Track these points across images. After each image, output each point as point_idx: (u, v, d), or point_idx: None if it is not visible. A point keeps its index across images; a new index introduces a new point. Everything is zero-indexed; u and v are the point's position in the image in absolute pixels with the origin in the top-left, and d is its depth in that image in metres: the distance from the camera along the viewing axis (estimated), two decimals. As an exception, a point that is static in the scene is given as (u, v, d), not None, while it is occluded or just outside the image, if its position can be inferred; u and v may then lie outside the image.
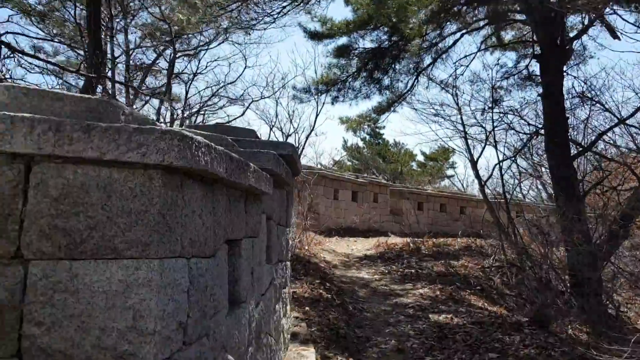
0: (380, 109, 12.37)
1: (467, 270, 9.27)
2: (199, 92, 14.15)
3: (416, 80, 12.21)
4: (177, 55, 12.76)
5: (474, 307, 6.93)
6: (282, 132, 22.62)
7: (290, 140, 23.48)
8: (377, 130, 29.01)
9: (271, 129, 22.58)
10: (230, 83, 15.05)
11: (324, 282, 7.01)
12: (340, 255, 10.79)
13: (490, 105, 13.61)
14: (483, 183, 14.92)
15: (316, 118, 19.07)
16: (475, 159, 14.78)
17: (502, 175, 11.46)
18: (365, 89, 10.61)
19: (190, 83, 14.33)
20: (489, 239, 14.73)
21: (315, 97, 10.69)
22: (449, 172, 28.41)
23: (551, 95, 10.99)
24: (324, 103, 22.68)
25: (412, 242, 12.28)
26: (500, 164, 11.40)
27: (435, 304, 6.82)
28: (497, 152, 10.86)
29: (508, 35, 16.09)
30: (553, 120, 10.92)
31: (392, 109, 12.48)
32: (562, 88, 11.42)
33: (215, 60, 13.72)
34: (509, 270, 9.68)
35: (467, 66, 14.58)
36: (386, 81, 10.51)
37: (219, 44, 13.44)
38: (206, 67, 14.53)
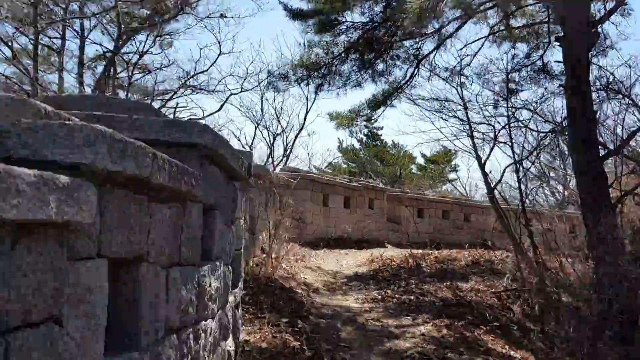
0: (375, 103, 10.68)
1: (479, 297, 7.55)
2: (155, 83, 12.42)
3: (416, 70, 10.53)
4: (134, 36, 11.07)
5: (493, 353, 5.21)
6: (269, 131, 20.90)
7: (279, 140, 21.98)
8: (375, 131, 27.27)
9: (257, 128, 20.97)
10: (203, 72, 13.29)
11: (295, 320, 5.29)
12: (325, 273, 9.07)
13: (504, 96, 11.93)
14: (493, 186, 13.31)
15: (306, 115, 17.36)
16: (483, 161, 13.15)
17: (519, 179, 9.75)
18: (355, 75, 8.91)
19: (157, 72, 12.62)
20: (498, 250, 13.11)
21: (295, 84, 8.99)
22: (451, 175, 26.72)
23: (576, 86, 9.27)
24: (314, 99, 20.79)
25: (412, 256, 10.56)
26: (518, 164, 9.68)
27: (442, 349, 5.11)
28: (512, 152, 9.04)
29: (518, 24, 14.40)
30: (579, 115, 9.22)
31: (388, 102, 10.79)
32: (589, 78, 9.74)
33: (180, 32, 11.99)
34: (530, 296, 7.96)
35: (474, 55, 12.87)
36: (381, 66, 8.81)
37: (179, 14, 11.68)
38: (170, 44, 12.66)
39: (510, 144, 9.88)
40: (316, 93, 9.37)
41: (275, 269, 8.02)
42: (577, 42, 9.32)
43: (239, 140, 19.73)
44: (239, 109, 21.65)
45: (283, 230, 9.56)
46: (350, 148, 26.03)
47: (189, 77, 12.29)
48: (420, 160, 27.57)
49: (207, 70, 13.43)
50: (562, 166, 23.64)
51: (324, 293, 7.49)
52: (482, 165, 12.77)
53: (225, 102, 14.00)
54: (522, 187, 12.27)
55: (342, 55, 8.38)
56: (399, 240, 15.70)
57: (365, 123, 11.11)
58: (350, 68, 8.73)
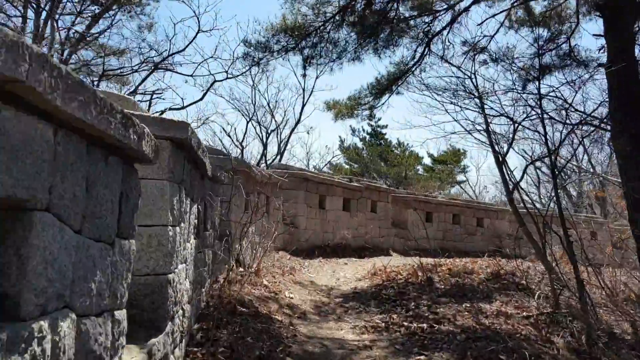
0: (379, 89, 9.11)
1: (509, 324, 5.95)
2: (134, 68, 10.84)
3: (427, 50, 8.96)
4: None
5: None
6: (261, 125, 19.32)
7: (273, 137, 20.01)
8: (379, 129, 25.69)
9: (249, 122, 19.39)
10: (178, 52, 11.71)
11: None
12: (318, 290, 7.50)
13: (527, 81, 10.38)
14: (513, 186, 11.71)
15: (302, 108, 15.85)
16: (502, 157, 11.56)
17: (554, 174, 8.16)
18: (353, 46, 7.31)
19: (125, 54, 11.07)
20: (518, 259, 11.51)
21: (278, 55, 7.35)
22: (460, 177, 25.10)
23: (622, 65, 7.67)
24: (312, 90, 19.04)
25: (421, 268, 8.96)
26: (551, 157, 8.10)
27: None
28: (546, 142, 7.40)
29: (538, 7, 12.79)
30: (626, 99, 7.66)
31: (394, 88, 9.21)
32: (634, 55, 8.18)
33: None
34: (571, 322, 6.36)
35: (492, 37, 11.27)
36: (385, 33, 7.18)
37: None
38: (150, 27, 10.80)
39: (541, 134, 8.27)
40: (305, 68, 7.78)
41: (255, 287, 6.44)
42: (624, 11, 7.75)
43: (229, 136, 18.20)
44: (229, 102, 19.88)
45: (268, 238, 7.99)
46: (353, 147, 24.45)
47: (162, 60, 10.72)
48: (427, 161, 26.00)
49: (183, 50, 11.85)
50: (589, 162, 21.95)
51: (313, 319, 5.91)
52: (500, 162, 11.23)
53: (208, 89, 12.42)
54: (541, 188, 10.66)
55: (336, 18, 6.79)
56: (405, 247, 14.09)
57: (367, 113, 9.55)
58: (346, 36, 7.14)
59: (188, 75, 11.89)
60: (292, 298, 6.54)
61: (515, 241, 17.04)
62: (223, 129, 20.26)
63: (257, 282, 6.61)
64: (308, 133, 22.30)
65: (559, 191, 11.91)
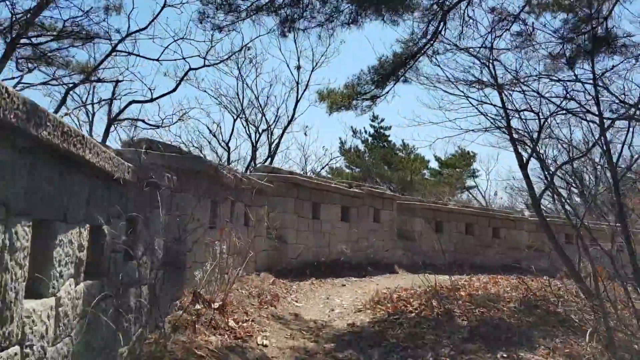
0: (382, 73, 7.44)
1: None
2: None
3: (442, 25, 7.31)
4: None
5: None
6: (249, 123, 17.58)
7: (264, 137, 17.88)
8: (382, 131, 23.97)
9: (236, 121, 17.67)
10: (138, 31, 9.97)
11: None
12: (304, 329, 5.77)
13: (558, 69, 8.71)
14: (541, 193, 10.16)
15: (296, 104, 14.10)
16: (526, 160, 9.96)
17: (615, 177, 6.45)
18: (346, 4, 5.58)
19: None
20: (542, 276, 9.92)
21: (246, 17, 5.62)
22: (468, 182, 23.34)
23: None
24: (307, 84, 17.14)
25: (435, 294, 7.24)
26: (604, 151, 6.41)
27: None
28: (604, 138, 5.61)
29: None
30: None
31: (401, 73, 7.54)
32: None
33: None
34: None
35: (514, 20, 9.59)
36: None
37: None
38: None
39: (588, 124, 6.58)
40: (283, 34, 6.05)
41: (215, 331, 4.73)
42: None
43: (215, 136, 16.48)
44: (214, 97, 17.80)
45: (242, 258, 6.30)
46: (354, 149, 22.70)
47: (120, 41, 9.03)
48: (434, 164, 24.25)
49: (145, 28, 10.12)
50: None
51: (291, 383, 4.19)
52: (524, 165, 9.54)
53: (182, 79, 10.68)
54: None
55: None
56: (412, 262, 12.35)
57: (368, 103, 7.85)
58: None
59: (152, 59, 10.17)
60: (265, 347, 4.82)
61: (531, 253, 15.29)
62: (208, 128, 18.21)
63: (220, 324, 4.89)
64: (306, 134, 20.50)
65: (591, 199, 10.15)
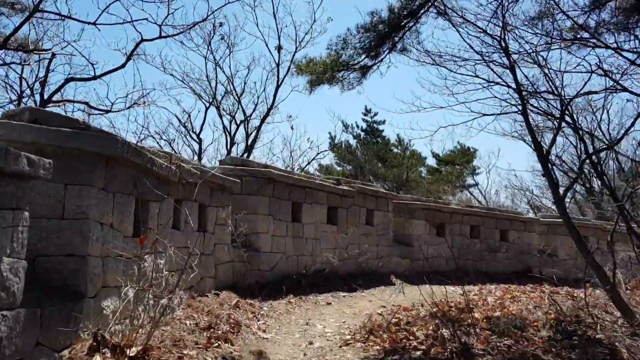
0: (377, 38, 5.81)
1: None
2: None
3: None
4: None
5: None
6: (220, 110, 15.76)
7: (243, 129, 15.54)
8: (375, 125, 22.32)
9: (208, 109, 15.87)
10: None
11: None
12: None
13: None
14: (566, 189, 8.81)
15: (277, 89, 12.39)
16: (546, 149, 8.48)
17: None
18: None
19: None
20: (558, 284, 8.49)
21: None
22: (468, 180, 21.72)
23: None
24: (289, 66, 15.15)
25: (444, 319, 5.61)
26: None
27: None
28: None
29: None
30: None
31: (398, 37, 5.90)
32: None
33: None
34: None
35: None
36: None
37: None
38: None
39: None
40: None
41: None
42: None
43: (184, 126, 14.71)
44: (182, 81, 15.84)
45: (202, 274, 4.65)
46: (345, 145, 21.01)
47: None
48: (431, 162, 22.61)
49: None
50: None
51: None
52: (544, 155, 7.97)
53: (132, 53, 8.93)
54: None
55: None
56: (410, 270, 10.72)
57: (357, 76, 6.18)
58: None
59: (87, 23, 8.40)
60: (197, 422, 3.14)
61: (543, 258, 13.66)
62: (177, 117, 16.19)
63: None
64: (292, 128, 18.64)
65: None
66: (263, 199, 7.51)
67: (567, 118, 8.42)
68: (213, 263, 6.22)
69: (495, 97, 9.41)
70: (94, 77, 7.83)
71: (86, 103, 8.06)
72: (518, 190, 21.73)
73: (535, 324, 5.91)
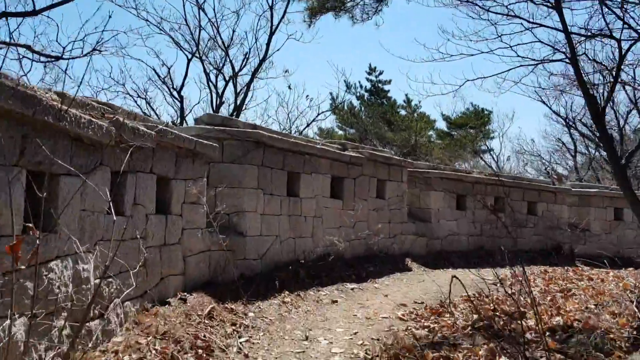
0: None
1: None
2: None
3: None
4: None
5: None
6: (209, 66, 13.84)
7: (231, 87, 13.40)
8: (380, 85, 20.42)
9: (190, 61, 13.94)
10: None
11: None
12: None
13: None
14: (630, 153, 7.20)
15: (270, 36, 10.55)
16: (601, 106, 6.87)
17: None
18: None
19: None
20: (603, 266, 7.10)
21: None
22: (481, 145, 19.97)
23: None
24: (284, 11, 12.89)
25: (491, 331, 4.09)
26: None
27: None
28: None
29: None
30: None
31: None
32: None
33: None
34: None
35: None
36: None
37: None
38: None
39: None
40: None
41: None
42: None
43: (164, 82, 12.86)
44: (156, 26, 13.69)
45: (142, 277, 3.01)
46: (348, 106, 19.16)
47: None
48: (441, 124, 20.76)
49: None
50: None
51: None
52: (600, 113, 6.41)
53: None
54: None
55: None
56: (428, 249, 9.20)
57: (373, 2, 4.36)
58: None
59: None
60: None
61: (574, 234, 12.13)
62: (155, 72, 13.99)
63: None
64: (290, 87, 16.44)
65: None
66: (250, 168, 5.86)
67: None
68: (180, 255, 4.63)
69: (541, 41, 7.63)
70: (35, 12, 6.09)
71: (27, 47, 6.34)
72: (534, 156, 20.09)
73: (616, 338, 4.36)
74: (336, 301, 5.68)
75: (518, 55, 6.23)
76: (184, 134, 4.72)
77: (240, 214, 5.73)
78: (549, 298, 5.96)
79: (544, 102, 13.67)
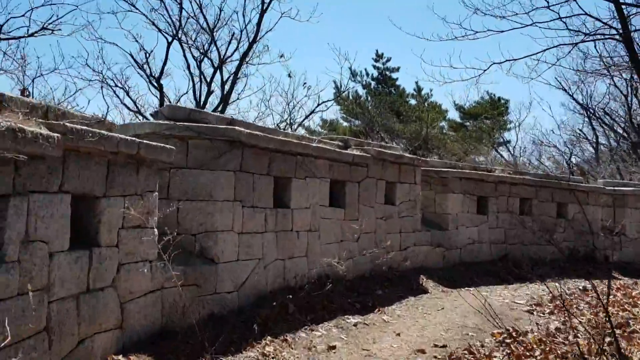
0: None
1: None
2: None
3: None
4: None
5: None
6: (189, 46, 12.37)
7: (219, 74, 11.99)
8: (387, 73, 19.01)
9: (170, 44, 12.52)
10: None
11: None
12: None
13: None
14: None
15: (261, 16, 9.23)
16: None
17: None
18: None
19: None
20: None
21: None
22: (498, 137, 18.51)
23: None
24: None
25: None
26: None
27: None
28: None
29: None
30: None
31: None
32: None
33: None
34: None
35: None
36: None
37: None
38: None
39: None
40: None
41: None
42: None
43: (142, 68, 11.48)
44: (131, 4, 12.05)
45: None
46: (353, 96, 17.73)
47: None
48: (453, 114, 19.28)
49: None
50: None
51: None
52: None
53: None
54: None
55: None
56: (445, 262, 7.92)
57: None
58: None
59: None
60: None
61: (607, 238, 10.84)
62: (132, 57, 12.27)
63: None
64: (290, 76, 14.81)
65: None
66: (224, 174, 4.57)
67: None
68: (116, 302, 3.36)
69: (588, 14, 6.26)
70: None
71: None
72: (551, 147, 18.64)
73: None
74: (334, 347, 4.40)
75: (568, 29, 4.91)
76: (132, 132, 3.43)
77: (211, 234, 4.45)
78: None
79: (565, 90, 12.25)
